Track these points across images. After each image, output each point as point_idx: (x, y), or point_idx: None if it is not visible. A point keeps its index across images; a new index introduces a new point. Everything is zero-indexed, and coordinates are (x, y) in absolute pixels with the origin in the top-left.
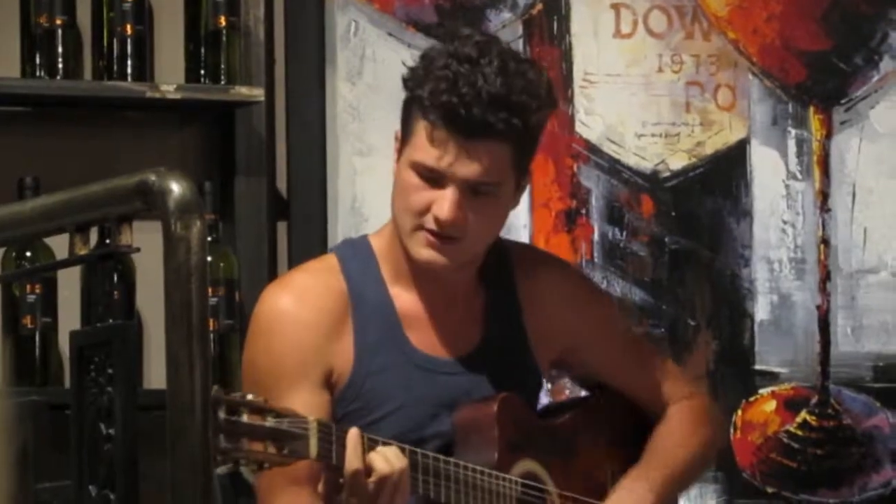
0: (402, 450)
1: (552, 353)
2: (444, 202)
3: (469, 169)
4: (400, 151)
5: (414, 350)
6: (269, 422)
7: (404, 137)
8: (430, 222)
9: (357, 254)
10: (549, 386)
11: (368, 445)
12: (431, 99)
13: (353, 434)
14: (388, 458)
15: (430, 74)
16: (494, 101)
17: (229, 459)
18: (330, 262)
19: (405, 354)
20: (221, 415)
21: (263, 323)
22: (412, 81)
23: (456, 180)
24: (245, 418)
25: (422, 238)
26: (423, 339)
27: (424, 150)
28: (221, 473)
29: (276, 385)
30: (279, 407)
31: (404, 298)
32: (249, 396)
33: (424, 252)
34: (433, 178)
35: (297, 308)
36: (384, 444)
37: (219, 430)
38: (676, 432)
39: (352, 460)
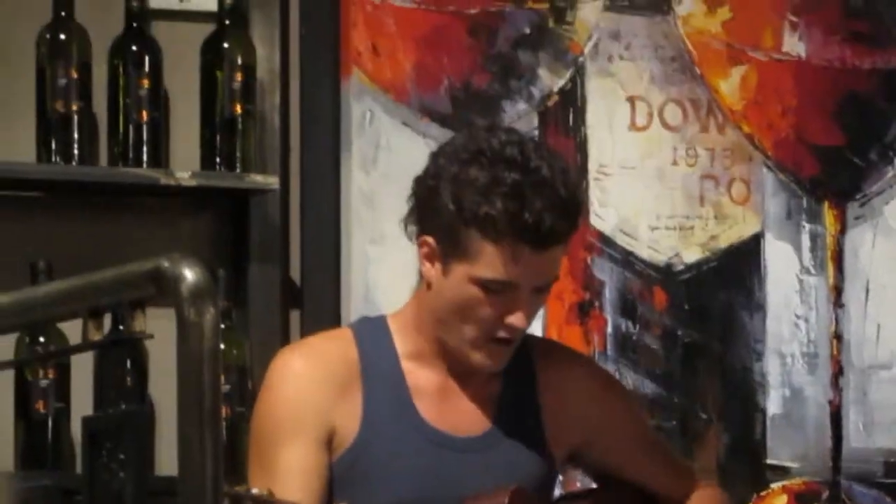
0: None
1: (568, 445)
2: (520, 313)
3: (542, 276)
4: (441, 261)
5: (424, 423)
6: None
7: (455, 251)
8: (500, 332)
9: (372, 329)
10: (561, 477)
11: None
12: (505, 218)
13: None
14: None
15: (494, 189)
16: (563, 209)
17: None
18: (345, 333)
19: (415, 426)
20: None
21: (272, 378)
22: (470, 198)
23: (529, 288)
24: None
25: (488, 349)
26: (435, 413)
27: (496, 268)
28: None
29: (276, 438)
30: (283, 501)
31: (417, 374)
32: (254, 490)
33: (488, 361)
34: (503, 290)
35: (305, 367)
36: None
37: None
38: None
39: None
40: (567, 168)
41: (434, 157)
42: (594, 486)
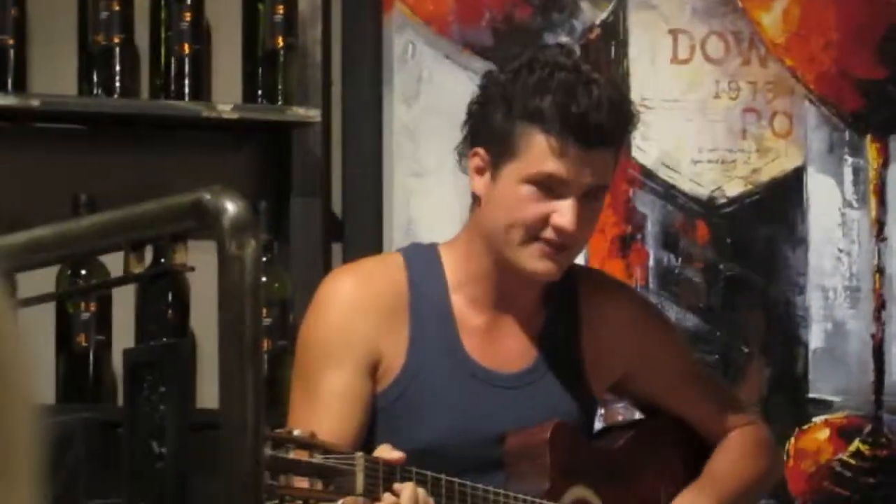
0: (452, 483)
1: (609, 378)
2: (567, 212)
3: (590, 176)
4: (491, 168)
5: (468, 358)
6: (316, 458)
7: (504, 153)
8: (547, 233)
9: (423, 256)
10: (603, 410)
11: (402, 476)
12: (554, 110)
13: (410, 487)
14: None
15: (544, 85)
16: (612, 108)
17: (274, 496)
18: (395, 258)
19: (459, 360)
20: (267, 451)
21: (320, 300)
22: (521, 95)
23: (577, 188)
24: (291, 454)
25: (536, 250)
26: (479, 349)
27: (546, 162)
28: None
29: (320, 362)
30: (326, 442)
31: (464, 307)
32: (296, 432)
33: (539, 264)
34: (551, 187)
35: (355, 290)
36: (419, 478)
37: (266, 468)
38: (735, 457)
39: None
40: (617, 81)
41: (485, 76)
42: (636, 417)
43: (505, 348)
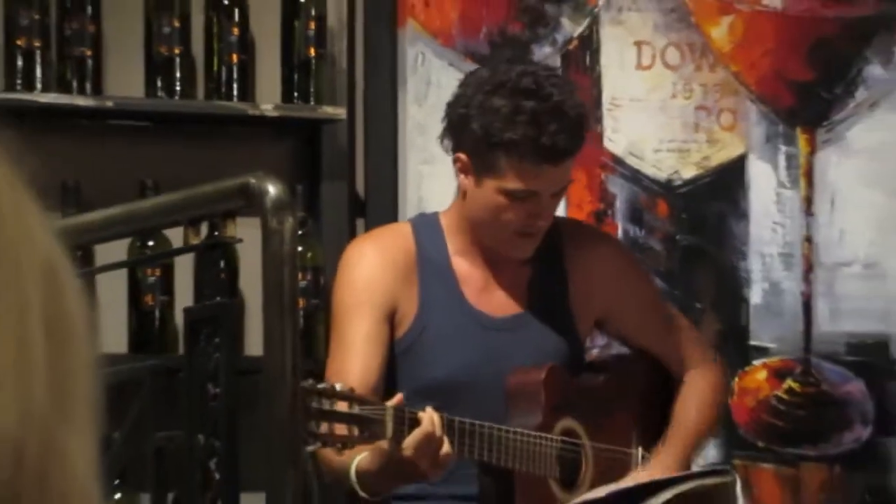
0: (452, 420)
1: (592, 317)
2: (542, 214)
3: (559, 183)
4: (474, 174)
5: (469, 306)
6: (354, 409)
7: (483, 168)
8: (527, 228)
9: (427, 225)
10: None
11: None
12: (526, 141)
13: (431, 415)
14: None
15: (514, 117)
16: (572, 128)
17: (319, 440)
18: (405, 227)
19: (461, 309)
20: (314, 404)
21: (346, 263)
22: (495, 126)
23: (548, 194)
24: (334, 406)
25: (514, 239)
26: (478, 297)
27: (518, 181)
28: (310, 451)
29: (350, 312)
30: (363, 396)
31: (463, 264)
32: (338, 387)
33: (518, 251)
34: (526, 198)
35: (374, 253)
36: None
37: (312, 417)
38: (698, 401)
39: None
40: (573, 88)
41: (462, 86)
42: (614, 352)
43: (499, 295)
